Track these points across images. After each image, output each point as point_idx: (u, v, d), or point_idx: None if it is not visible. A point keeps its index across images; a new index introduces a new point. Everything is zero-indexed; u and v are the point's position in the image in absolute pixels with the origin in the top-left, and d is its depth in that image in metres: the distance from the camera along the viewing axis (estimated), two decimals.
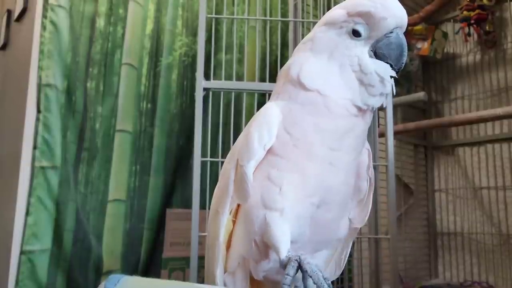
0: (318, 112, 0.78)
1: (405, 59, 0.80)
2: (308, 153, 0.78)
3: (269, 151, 0.80)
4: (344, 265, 0.95)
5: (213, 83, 1.71)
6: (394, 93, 0.81)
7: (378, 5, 0.76)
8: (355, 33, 0.78)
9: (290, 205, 0.78)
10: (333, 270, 0.95)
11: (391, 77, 0.79)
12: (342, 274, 2.13)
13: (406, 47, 0.80)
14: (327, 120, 0.78)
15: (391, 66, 0.79)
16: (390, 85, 0.79)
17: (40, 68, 1.82)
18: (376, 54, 0.79)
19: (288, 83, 0.82)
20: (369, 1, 0.77)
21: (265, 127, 0.80)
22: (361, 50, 0.79)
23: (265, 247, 0.80)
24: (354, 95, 0.78)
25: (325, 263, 0.90)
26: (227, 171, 0.86)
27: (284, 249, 0.75)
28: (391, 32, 0.79)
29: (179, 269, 2.10)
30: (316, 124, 0.78)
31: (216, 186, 0.92)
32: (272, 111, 0.82)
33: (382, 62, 0.79)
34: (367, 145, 0.88)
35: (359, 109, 0.79)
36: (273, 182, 0.79)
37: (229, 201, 0.84)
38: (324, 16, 0.83)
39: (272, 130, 0.79)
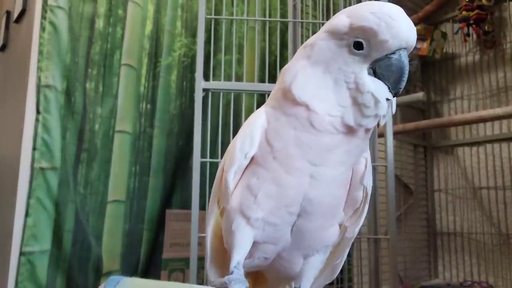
0: (302, 126, 0.76)
1: (404, 83, 0.75)
2: (287, 166, 0.78)
3: (253, 160, 0.82)
4: (338, 272, 0.95)
5: (212, 84, 1.71)
6: (393, 112, 0.78)
7: (383, 24, 0.71)
8: (357, 46, 0.74)
9: (264, 214, 0.80)
10: (328, 275, 0.94)
11: (387, 99, 0.75)
12: (341, 274, 2.15)
13: (407, 71, 0.75)
14: (310, 135, 0.76)
15: (388, 88, 0.75)
16: (384, 107, 0.75)
17: (39, 69, 1.83)
18: (376, 72, 0.75)
19: (281, 90, 0.81)
20: (374, 17, 0.71)
21: (248, 135, 0.81)
22: (360, 67, 0.74)
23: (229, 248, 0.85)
24: (345, 113, 0.75)
25: (322, 265, 0.90)
26: (218, 173, 0.90)
27: (235, 259, 0.80)
28: (394, 53, 0.74)
29: (179, 270, 2.10)
30: (298, 138, 0.76)
31: None
32: (258, 119, 0.82)
33: (381, 82, 0.75)
34: (366, 153, 0.85)
35: (350, 127, 0.75)
36: (250, 190, 0.81)
37: (216, 202, 0.90)
38: (329, 21, 0.79)
39: (255, 140, 0.80)
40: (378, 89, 0.74)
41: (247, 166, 0.82)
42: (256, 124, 0.82)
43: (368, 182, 0.85)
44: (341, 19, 0.75)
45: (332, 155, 0.77)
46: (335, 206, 0.84)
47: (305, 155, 0.77)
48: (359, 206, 0.87)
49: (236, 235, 0.81)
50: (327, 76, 0.76)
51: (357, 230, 0.89)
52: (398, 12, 0.73)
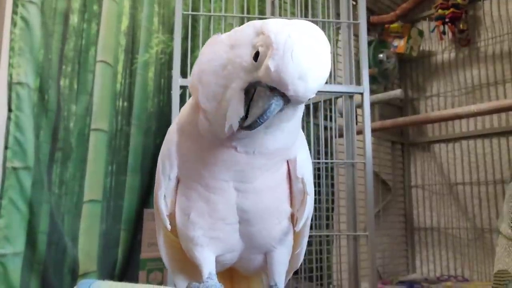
0: (203, 143, 0.71)
1: (259, 126, 0.63)
2: (206, 186, 0.76)
3: (180, 179, 0.79)
4: (301, 260, 0.93)
5: (190, 81, 1.69)
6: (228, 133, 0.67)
7: (280, 51, 0.59)
8: (255, 55, 0.63)
9: (203, 232, 0.78)
10: (292, 265, 0.92)
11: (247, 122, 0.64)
12: (321, 271, 2.16)
13: (267, 119, 0.62)
14: (210, 155, 0.72)
15: (246, 116, 0.64)
16: (222, 133, 0.66)
17: (11, 65, 1.77)
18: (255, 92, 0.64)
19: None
20: (282, 37, 0.60)
21: (166, 156, 0.79)
22: (246, 77, 0.64)
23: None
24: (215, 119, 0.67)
25: (289, 256, 0.88)
26: (154, 194, 0.86)
27: (206, 272, 0.79)
28: (274, 89, 0.61)
29: (158, 269, 2.07)
30: (202, 159, 0.73)
31: None
32: (171, 137, 0.78)
33: (242, 109, 0.64)
34: (298, 145, 0.79)
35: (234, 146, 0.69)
36: (183, 210, 0.79)
37: (160, 224, 0.85)
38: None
39: (173, 160, 0.78)
40: (232, 113, 0.64)
41: (178, 184, 0.80)
42: (171, 142, 0.78)
43: (305, 172, 0.80)
44: (274, 22, 0.64)
45: (244, 173, 0.73)
46: (274, 208, 0.81)
47: (215, 175, 0.74)
48: (303, 197, 0.82)
49: (196, 254, 0.80)
50: (225, 72, 0.67)
51: (301, 223, 0.83)
52: (309, 50, 0.60)
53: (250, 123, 0.63)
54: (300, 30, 0.61)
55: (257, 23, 0.67)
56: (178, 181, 0.80)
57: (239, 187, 0.75)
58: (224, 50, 0.68)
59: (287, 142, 0.73)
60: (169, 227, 0.82)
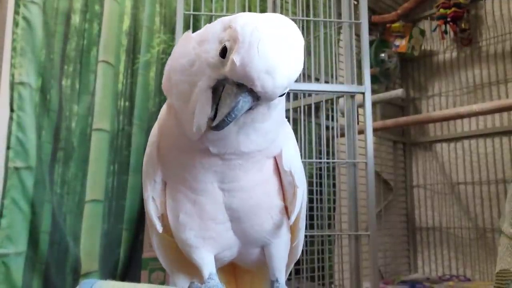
0: (180, 144, 0.70)
1: (227, 125, 0.60)
2: (190, 188, 0.75)
3: (166, 181, 0.79)
4: (299, 252, 0.92)
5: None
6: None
7: (246, 44, 0.56)
8: (222, 52, 0.61)
9: (194, 232, 0.78)
10: (292, 257, 0.91)
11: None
12: (323, 270, 2.16)
13: (235, 117, 0.59)
14: (187, 156, 0.70)
15: (214, 116, 0.61)
16: (192, 134, 0.64)
17: (12, 66, 1.77)
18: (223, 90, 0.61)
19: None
20: (248, 29, 0.57)
21: (149, 159, 0.78)
22: (214, 75, 0.61)
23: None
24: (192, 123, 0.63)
25: (287, 250, 0.88)
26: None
27: (206, 273, 0.79)
28: (242, 86, 0.58)
29: (159, 269, 2.07)
30: (182, 161, 0.72)
31: None
32: (152, 139, 0.77)
33: (209, 108, 0.62)
34: (274, 150, 0.76)
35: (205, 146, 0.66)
36: (172, 212, 0.78)
37: (152, 225, 0.84)
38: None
39: (155, 164, 0.77)
40: (199, 113, 0.62)
41: (166, 186, 0.79)
42: (152, 145, 0.77)
43: (292, 165, 0.78)
44: (243, 15, 0.62)
45: (225, 174, 0.72)
46: (264, 204, 0.80)
47: (197, 177, 0.72)
48: (294, 190, 0.80)
49: (194, 256, 0.79)
50: (193, 69, 0.64)
51: (294, 216, 0.81)
52: (277, 43, 0.57)
53: (218, 123, 0.60)
54: (269, 22, 0.59)
55: (226, 18, 0.64)
56: (166, 183, 0.80)
57: (224, 187, 0.74)
58: (193, 46, 0.65)
59: (264, 143, 0.70)
60: (160, 229, 0.81)
